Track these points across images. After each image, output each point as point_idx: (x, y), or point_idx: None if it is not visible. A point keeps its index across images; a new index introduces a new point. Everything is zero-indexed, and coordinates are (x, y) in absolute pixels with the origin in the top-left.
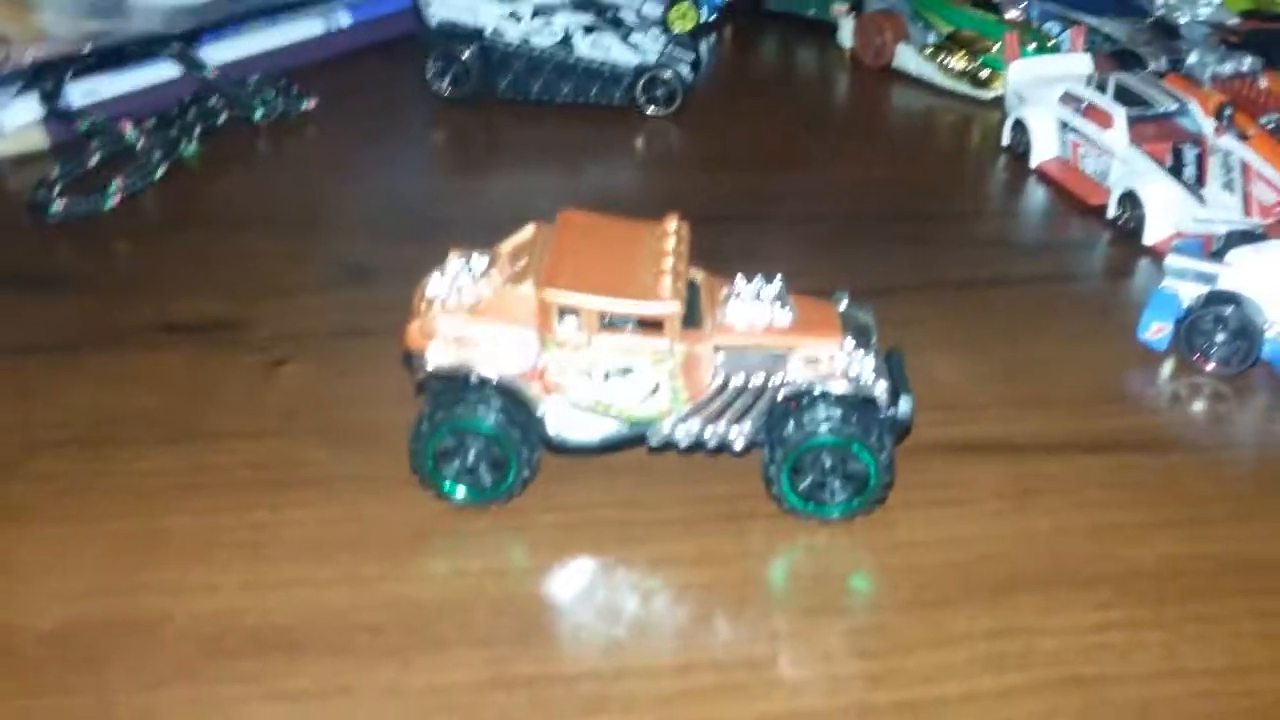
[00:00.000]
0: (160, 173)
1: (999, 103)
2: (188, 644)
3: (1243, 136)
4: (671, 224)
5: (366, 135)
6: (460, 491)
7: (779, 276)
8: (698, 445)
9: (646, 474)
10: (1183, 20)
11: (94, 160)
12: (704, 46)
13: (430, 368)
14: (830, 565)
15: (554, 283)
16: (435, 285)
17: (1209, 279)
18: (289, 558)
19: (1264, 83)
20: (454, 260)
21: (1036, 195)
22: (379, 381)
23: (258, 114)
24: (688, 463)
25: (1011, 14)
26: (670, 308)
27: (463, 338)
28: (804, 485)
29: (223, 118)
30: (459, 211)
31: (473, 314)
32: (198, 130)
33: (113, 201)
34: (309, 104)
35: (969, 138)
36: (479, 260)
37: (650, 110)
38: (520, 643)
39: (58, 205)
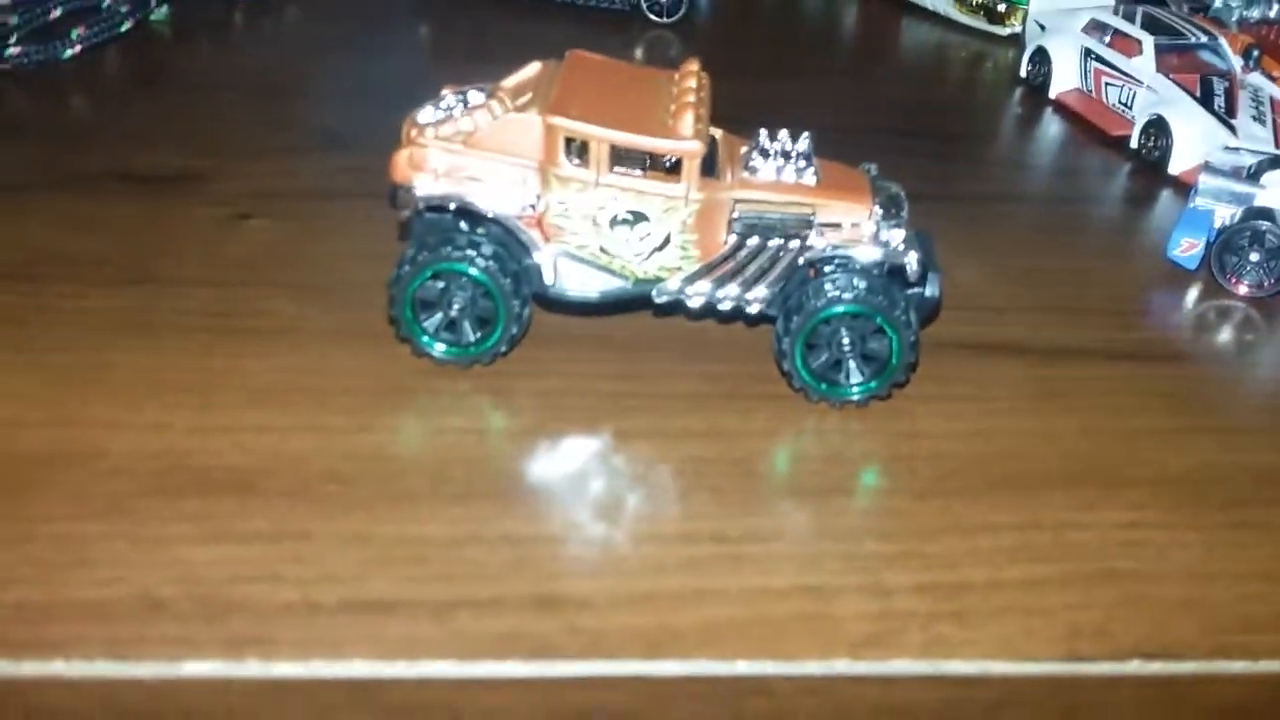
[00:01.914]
0: (126, 26)
1: (1015, 40)
2: (124, 480)
3: (1271, 78)
4: (693, 67)
5: (348, 20)
6: (440, 347)
7: (806, 134)
8: (708, 308)
9: (645, 347)
10: None
11: (57, 11)
12: None
13: (419, 195)
14: (843, 448)
15: (563, 110)
16: (427, 113)
17: (1245, 198)
18: (245, 404)
19: None
20: (448, 93)
21: (1055, 125)
22: (350, 242)
23: None
24: (691, 339)
25: None
26: (692, 146)
27: (456, 169)
28: (819, 363)
29: None
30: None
31: (468, 143)
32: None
33: (72, 50)
34: None
35: (984, 70)
36: (476, 94)
37: (653, 18)
38: (501, 502)
39: (12, 50)
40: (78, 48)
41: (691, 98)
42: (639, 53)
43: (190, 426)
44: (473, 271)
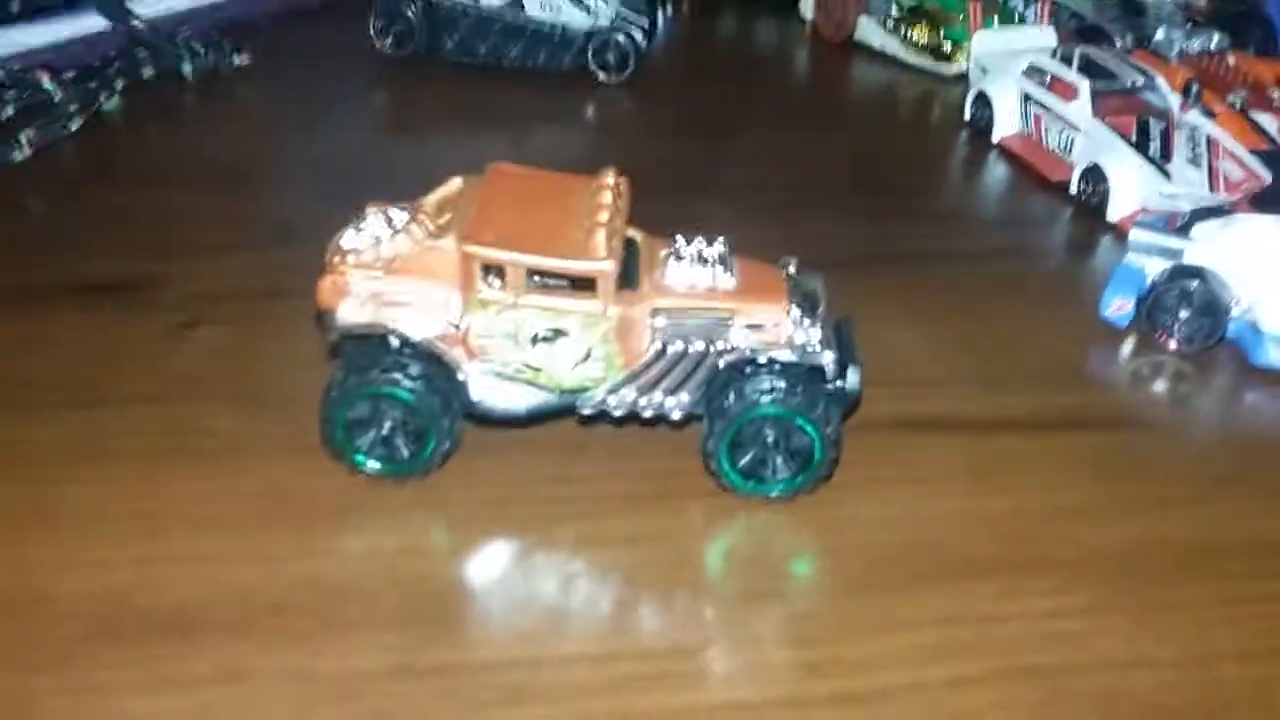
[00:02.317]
0: (76, 125)
1: (962, 79)
2: (72, 625)
3: (1210, 114)
4: (609, 178)
5: (302, 94)
6: (374, 464)
7: (722, 238)
8: (632, 415)
9: (577, 448)
10: None
11: (7, 111)
12: (660, 11)
13: (341, 324)
14: (770, 546)
15: (478, 237)
16: (350, 238)
17: (1174, 254)
18: (189, 532)
19: (1231, 60)
20: (371, 214)
21: (998, 171)
22: (295, 345)
23: (186, 68)
24: (621, 435)
25: None
26: (603, 266)
27: (379, 295)
28: (745, 461)
29: (148, 71)
30: (396, 173)
31: (390, 269)
32: (120, 84)
33: (23, 153)
34: (242, 59)
35: (930, 112)
36: (398, 214)
37: (601, 76)
38: (433, 628)
39: None
40: (28, 150)
41: (604, 214)
42: (590, 110)
43: (136, 559)
44: (400, 394)
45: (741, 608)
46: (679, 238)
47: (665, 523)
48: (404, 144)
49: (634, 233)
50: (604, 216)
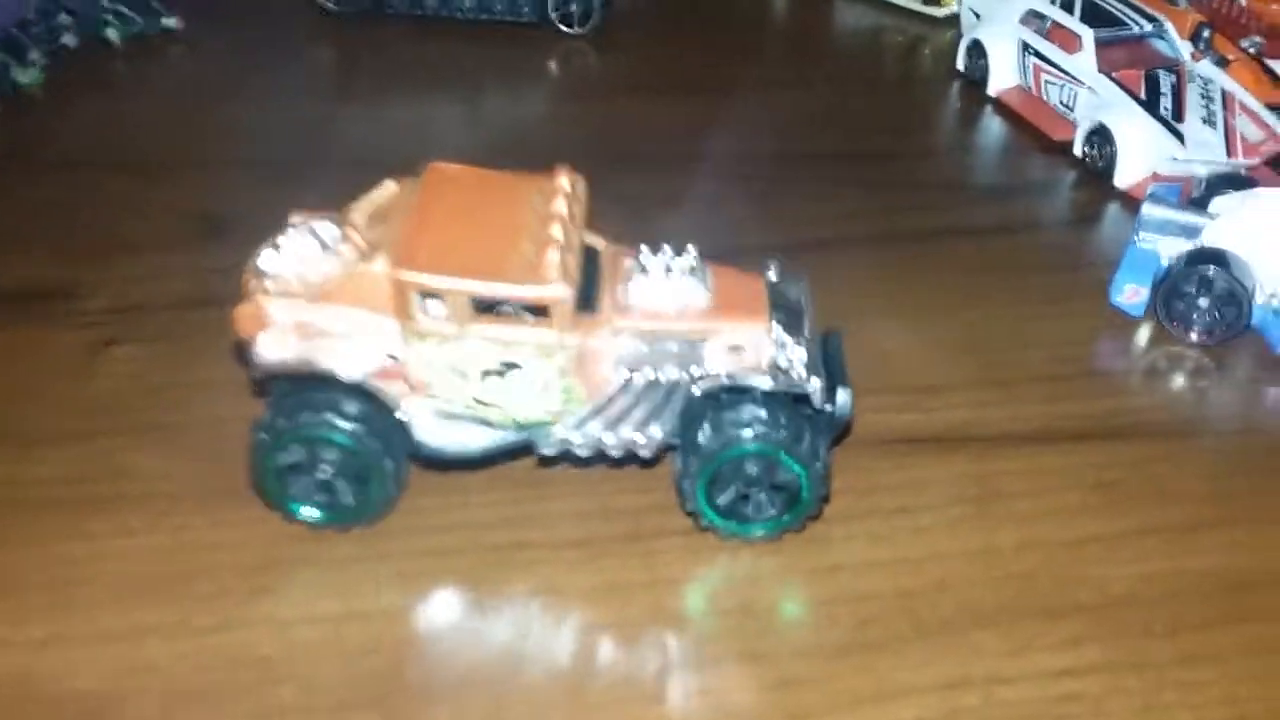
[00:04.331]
0: None
1: (953, 21)
2: None
3: (1223, 61)
4: (562, 179)
5: (239, 57)
6: (312, 512)
7: (690, 247)
8: (598, 454)
9: (539, 484)
10: None
11: None
12: None
13: (264, 363)
14: (754, 596)
15: (412, 261)
16: (269, 259)
17: (1191, 232)
18: (103, 600)
19: (1244, 1)
20: (295, 229)
21: (994, 129)
22: (222, 365)
23: (112, 33)
24: (589, 469)
25: None
26: (556, 291)
27: (305, 325)
28: (725, 499)
29: (70, 37)
30: (339, 147)
31: (316, 296)
32: (38, 53)
33: None
34: (173, 22)
35: (920, 62)
36: (325, 228)
37: (564, 28)
38: (377, 709)
39: None
40: None
41: (557, 227)
42: (552, 66)
43: (46, 637)
44: (336, 437)
45: (722, 673)
46: (644, 248)
47: (636, 572)
48: (350, 114)
49: (594, 240)
50: (557, 230)
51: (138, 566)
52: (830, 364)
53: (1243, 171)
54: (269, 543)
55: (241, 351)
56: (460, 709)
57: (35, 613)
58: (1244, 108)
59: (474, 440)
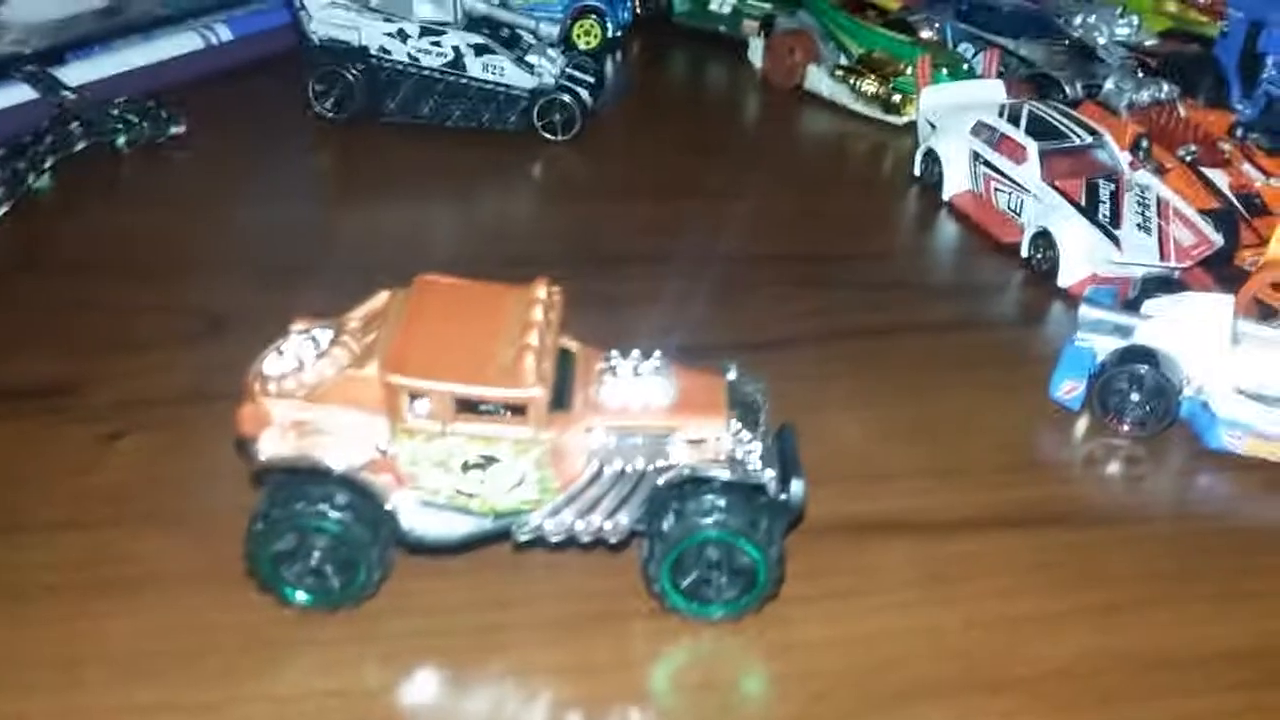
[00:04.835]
0: (3, 211)
1: (911, 129)
2: None
3: (1160, 170)
4: (540, 291)
5: (241, 162)
6: (303, 596)
7: (657, 351)
8: (570, 540)
9: (515, 567)
10: (1101, 41)
11: None
12: (609, 65)
13: (264, 459)
14: (715, 673)
15: (401, 366)
16: (271, 363)
17: (1124, 332)
18: (108, 678)
19: (1183, 111)
20: (295, 334)
21: (948, 231)
22: (224, 456)
23: (120, 140)
24: (562, 553)
25: (925, 34)
26: (531, 393)
27: (302, 424)
28: (688, 582)
29: (81, 145)
30: (337, 249)
31: (312, 397)
32: (50, 161)
33: None
34: (178, 128)
35: (880, 166)
36: (323, 334)
37: (548, 136)
38: None
39: None
40: None
41: (534, 335)
42: (536, 170)
43: (49, 715)
44: (327, 526)
45: None
46: (614, 352)
47: (608, 649)
48: (347, 214)
49: (569, 343)
50: (533, 337)
51: (143, 646)
52: (785, 455)
53: (1175, 275)
54: (265, 624)
55: (242, 446)
56: None
57: (44, 691)
58: (1178, 214)
59: (456, 528)
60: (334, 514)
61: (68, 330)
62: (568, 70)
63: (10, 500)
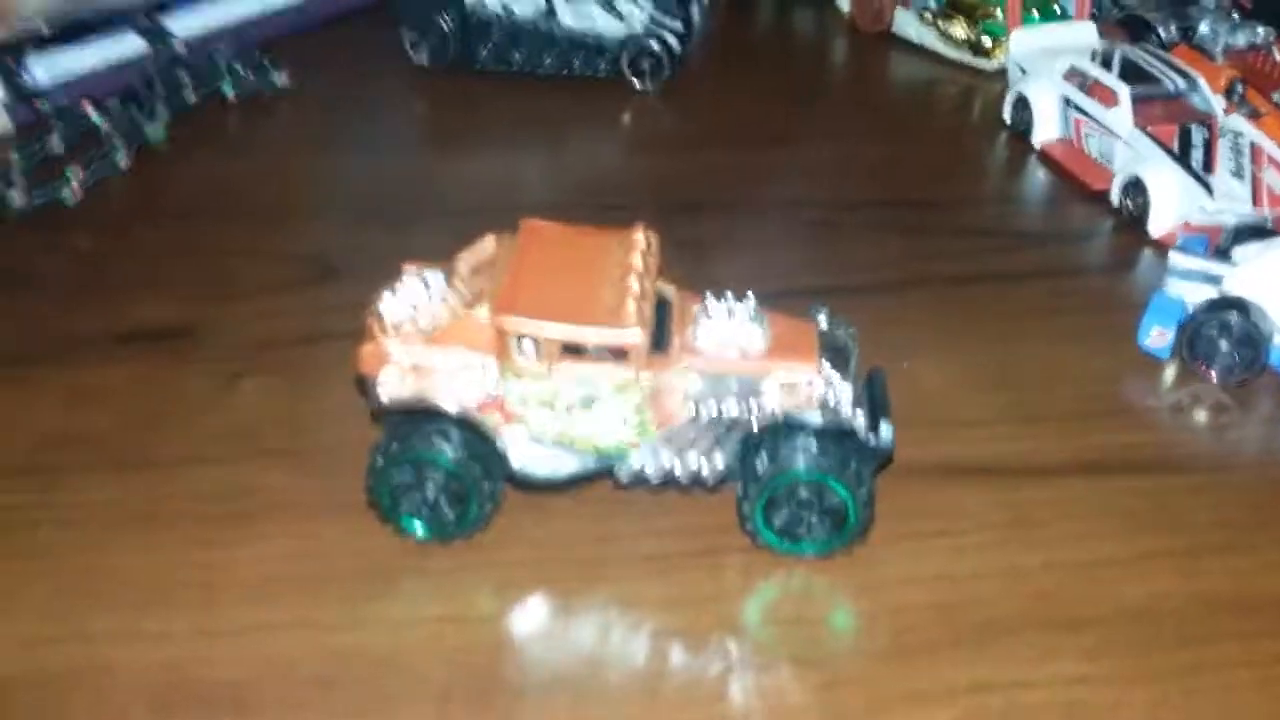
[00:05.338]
0: (123, 160)
1: (1002, 73)
2: (129, 698)
3: (1255, 114)
4: (638, 235)
5: (342, 111)
6: (420, 527)
7: (750, 295)
8: (669, 481)
9: (619, 503)
10: None
11: (56, 146)
12: (696, 10)
13: (384, 399)
14: (806, 608)
15: (511, 308)
16: (388, 305)
17: (1214, 280)
18: (241, 601)
19: (1278, 55)
20: (408, 277)
21: (1037, 179)
22: (341, 394)
23: (228, 90)
24: (662, 493)
25: None
26: (633, 336)
27: (419, 365)
28: (780, 521)
29: (191, 96)
30: (436, 194)
31: (428, 340)
32: (164, 110)
33: (73, 192)
34: (282, 78)
35: (969, 113)
36: (435, 278)
37: (637, 84)
38: (475, 701)
39: (17, 198)
40: (78, 189)
41: (634, 279)
42: (625, 119)
43: (190, 632)
44: (442, 460)
45: (778, 675)
46: (709, 295)
47: (704, 583)
48: (444, 160)
49: (666, 288)
50: (633, 281)
51: (270, 571)
52: (874, 400)
53: (1267, 223)
54: (384, 551)
55: (361, 384)
56: (547, 704)
57: (182, 611)
58: (1271, 160)
59: (561, 466)
60: (448, 449)
61: (185, 275)
62: (656, 17)
63: (143, 438)
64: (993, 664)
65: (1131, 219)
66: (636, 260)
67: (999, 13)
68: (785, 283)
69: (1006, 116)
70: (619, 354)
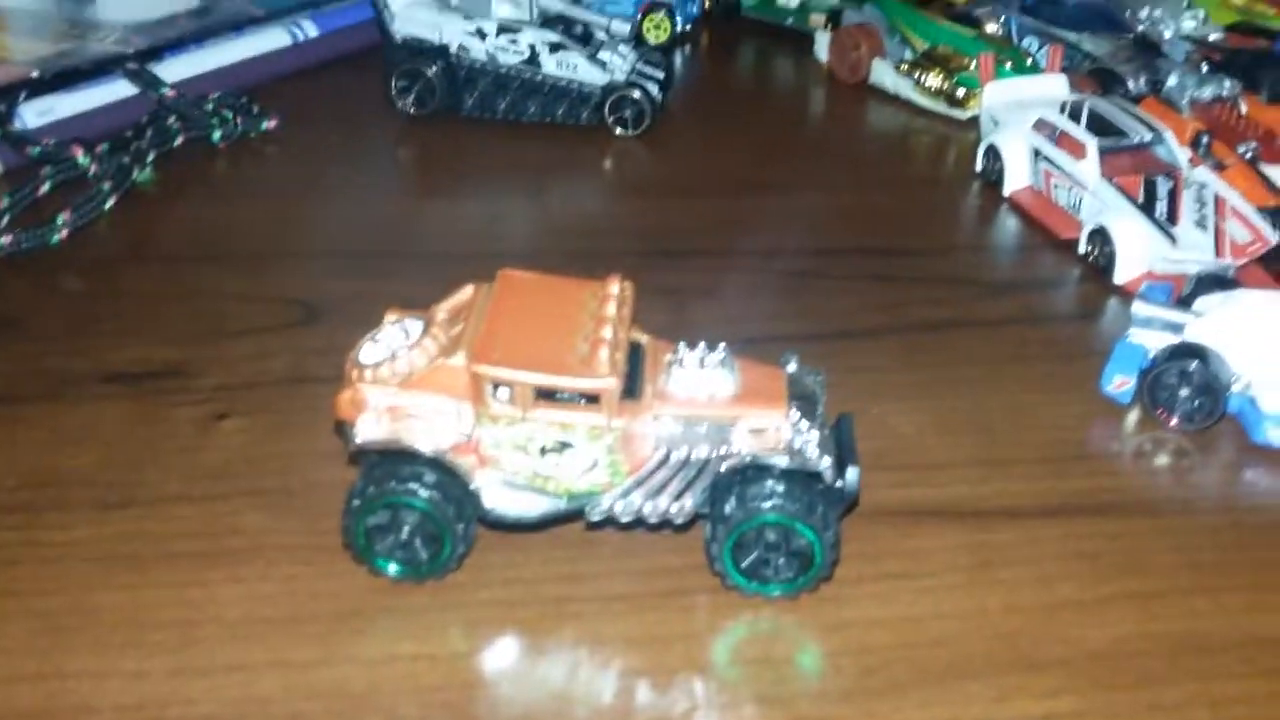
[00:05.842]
0: (111, 203)
1: (975, 123)
2: None
3: (1220, 166)
4: (613, 287)
5: (328, 156)
6: (394, 568)
7: (722, 344)
8: (638, 521)
9: (589, 544)
10: (1166, 35)
11: (44, 188)
12: (677, 60)
13: (360, 441)
14: (772, 648)
15: (486, 357)
16: (367, 352)
17: (1176, 328)
18: (220, 639)
19: (1244, 108)
20: (388, 324)
21: (1008, 227)
22: (321, 436)
23: (216, 135)
24: (631, 533)
25: (990, 28)
26: (605, 383)
27: (395, 409)
28: (747, 562)
29: (179, 139)
30: (421, 239)
31: (405, 385)
32: (152, 154)
33: (60, 235)
34: (270, 123)
35: (943, 162)
36: (413, 325)
37: (618, 131)
38: None
39: (4, 240)
40: (65, 232)
41: (607, 329)
42: (607, 165)
43: (169, 671)
44: (417, 503)
45: (743, 715)
46: (681, 344)
47: (673, 623)
48: (428, 206)
49: (639, 336)
50: (607, 331)
51: (248, 610)
52: (842, 444)
53: (1229, 272)
54: (359, 592)
55: (340, 428)
56: None
57: (162, 649)
58: (1234, 211)
59: (533, 507)
60: (423, 492)
61: (172, 317)
62: (638, 66)
63: (126, 477)
64: (956, 704)
65: (1098, 268)
66: (610, 309)
67: (973, 65)
68: (761, 329)
69: (979, 166)
70: (592, 400)
